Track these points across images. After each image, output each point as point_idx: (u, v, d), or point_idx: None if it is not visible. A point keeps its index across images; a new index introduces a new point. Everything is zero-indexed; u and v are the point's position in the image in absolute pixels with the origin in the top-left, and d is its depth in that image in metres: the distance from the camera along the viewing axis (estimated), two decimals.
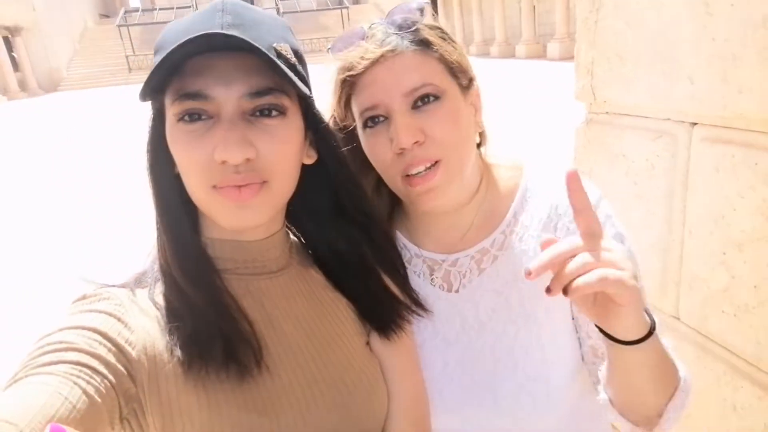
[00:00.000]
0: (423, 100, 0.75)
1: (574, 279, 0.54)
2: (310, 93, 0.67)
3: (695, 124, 1.13)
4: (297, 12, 32.66)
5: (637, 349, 0.61)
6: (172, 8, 32.45)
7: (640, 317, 0.60)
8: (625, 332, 0.60)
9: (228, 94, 0.60)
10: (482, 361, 0.81)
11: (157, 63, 0.57)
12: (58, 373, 0.51)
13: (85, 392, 0.51)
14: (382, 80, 0.74)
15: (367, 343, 0.76)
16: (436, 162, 0.75)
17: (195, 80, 0.59)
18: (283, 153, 0.64)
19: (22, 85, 27.39)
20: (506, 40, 23.70)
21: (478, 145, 0.88)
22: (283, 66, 0.60)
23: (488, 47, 24.99)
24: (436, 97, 0.75)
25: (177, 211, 0.65)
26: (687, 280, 1.20)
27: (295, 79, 0.61)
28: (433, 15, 0.81)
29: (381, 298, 0.77)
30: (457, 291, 0.84)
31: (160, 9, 36.82)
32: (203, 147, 0.60)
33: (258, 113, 0.62)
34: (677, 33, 1.12)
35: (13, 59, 27.14)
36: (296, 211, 0.75)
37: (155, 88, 0.60)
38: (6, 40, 26.66)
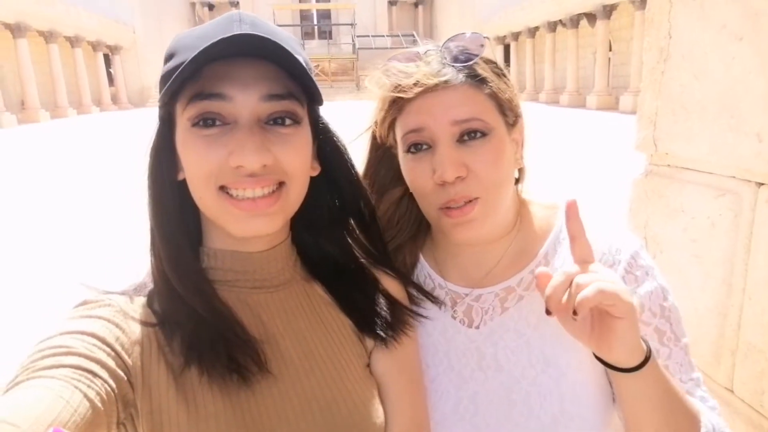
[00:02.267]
0: (470, 135, 0.74)
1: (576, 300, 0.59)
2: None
3: (762, 184, 1.07)
4: (372, 48, 33.83)
5: (638, 377, 0.63)
6: None
7: (636, 341, 0.62)
8: (625, 357, 0.63)
9: (246, 95, 0.60)
10: (496, 402, 0.78)
11: (182, 65, 0.57)
12: (59, 377, 0.51)
13: (85, 396, 0.50)
14: (431, 108, 0.74)
15: (368, 365, 0.74)
16: (475, 199, 0.75)
17: (213, 83, 0.60)
18: (298, 160, 0.65)
19: (114, 99, 29.68)
20: (577, 90, 23.40)
21: (517, 181, 0.86)
22: (304, 66, 0.61)
23: (558, 95, 24.74)
24: (483, 134, 0.74)
25: (175, 219, 0.65)
26: (743, 349, 1.11)
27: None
28: (491, 58, 0.80)
29: (381, 305, 0.75)
30: (477, 327, 0.81)
31: None
32: (217, 151, 0.60)
33: (272, 122, 0.63)
34: (746, 88, 1.07)
35: (109, 75, 29.58)
36: (295, 224, 0.74)
37: (174, 93, 0.59)
38: (106, 57, 29.17)
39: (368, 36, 34.69)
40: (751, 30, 1.05)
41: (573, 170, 8.64)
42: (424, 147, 0.76)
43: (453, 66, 0.75)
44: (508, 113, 0.79)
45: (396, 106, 0.77)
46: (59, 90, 23.73)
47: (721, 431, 0.70)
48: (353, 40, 34.20)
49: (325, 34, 40.80)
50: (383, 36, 36.02)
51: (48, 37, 22.91)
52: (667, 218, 1.36)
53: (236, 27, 0.61)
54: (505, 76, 0.80)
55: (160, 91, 0.63)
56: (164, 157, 0.65)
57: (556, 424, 0.75)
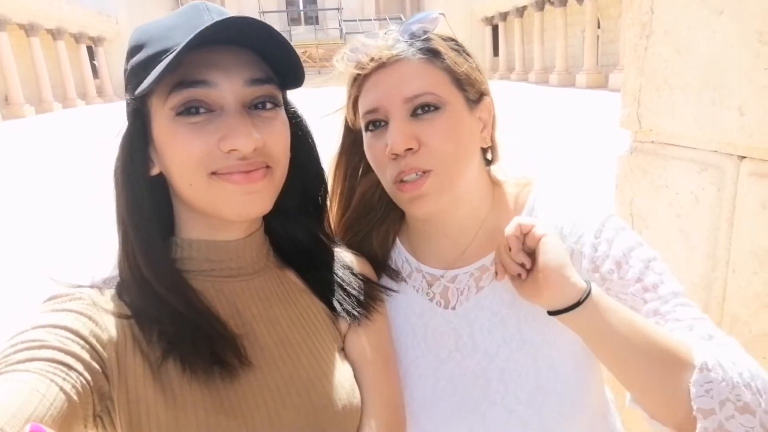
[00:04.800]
0: (423, 109, 0.75)
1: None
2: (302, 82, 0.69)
3: (743, 157, 1.08)
4: (359, 33, 33.39)
5: (584, 314, 0.64)
6: None
7: (567, 274, 0.65)
8: (560, 292, 0.65)
9: (230, 81, 0.61)
10: (473, 381, 0.79)
11: (159, 55, 0.58)
12: (34, 370, 0.50)
13: (61, 389, 0.50)
14: (385, 84, 0.75)
15: (342, 349, 0.75)
16: (427, 171, 0.75)
17: (196, 70, 0.60)
18: (282, 143, 0.66)
19: (100, 92, 29.29)
20: (566, 69, 23.34)
21: (489, 162, 0.86)
22: (291, 45, 0.62)
23: (548, 75, 24.68)
24: (436, 108, 0.75)
25: (148, 214, 0.65)
26: (728, 322, 1.13)
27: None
28: (450, 33, 0.81)
29: (350, 282, 0.77)
30: (453, 308, 0.82)
31: None
32: (206, 137, 0.61)
33: (254, 107, 0.64)
34: (728, 62, 1.07)
35: (93, 67, 29.14)
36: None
37: (158, 79, 0.57)
38: (89, 49, 28.72)
39: (355, 20, 34.32)
40: (732, 3, 1.05)
41: (562, 149, 8.67)
42: (382, 124, 0.77)
43: (406, 41, 0.77)
44: (468, 88, 0.79)
45: (356, 83, 0.79)
46: (43, 84, 23.36)
47: (722, 363, 0.62)
48: (340, 25, 33.85)
49: (312, 20, 40.35)
50: (370, 20, 35.62)
51: (29, 30, 22.48)
52: (652, 194, 1.37)
53: (205, 15, 0.61)
54: (466, 52, 0.80)
55: (129, 83, 0.62)
56: (138, 152, 0.64)
57: (532, 400, 0.75)
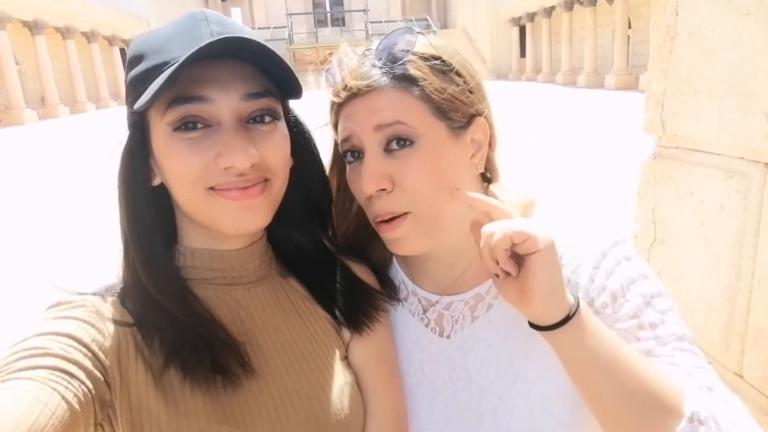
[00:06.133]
0: (398, 143, 0.69)
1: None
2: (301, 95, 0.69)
3: None
4: (385, 34, 33.43)
5: (571, 333, 0.59)
6: (269, 28, 34.37)
7: (557, 286, 0.59)
8: (545, 303, 0.59)
9: (227, 96, 0.60)
10: (466, 416, 0.75)
11: (155, 69, 0.58)
12: (36, 378, 0.50)
13: (63, 398, 0.50)
14: (357, 114, 0.71)
15: (345, 357, 0.74)
16: (405, 214, 0.70)
17: (192, 86, 0.59)
18: (282, 156, 0.66)
19: None
20: (595, 70, 22.94)
21: (489, 182, 0.81)
22: (286, 62, 0.61)
23: (575, 76, 24.29)
24: (411, 142, 0.69)
25: (149, 225, 0.65)
26: (753, 334, 1.09)
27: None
28: (430, 43, 0.74)
29: (353, 291, 0.76)
30: (448, 337, 0.78)
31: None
32: (203, 153, 0.60)
33: (252, 120, 0.63)
34: (754, 66, 1.04)
35: None
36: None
37: (154, 97, 0.57)
38: (122, 51, 29.48)
39: (381, 22, 34.38)
40: (758, 4, 1.02)
41: (586, 153, 8.52)
42: (359, 155, 0.73)
43: (380, 68, 0.71)
44: (452, 115, 0.72)
45: (333, 110, 0.76)
46: (77, 85, 24.09)
47: (717, 418, 0.56)
48: (366, 27, 33.91)
49: (338, 21, 40.59)
50: (396, 21, 35.63)
51: (65, 33, 23.21)
52: (676, 201, 1.33)
53: (203, 26, 0.61)
54: (452, 72, 0.73)
55: (129, 96, 0.62)
56: (138, 163, 0.65)
57: None
